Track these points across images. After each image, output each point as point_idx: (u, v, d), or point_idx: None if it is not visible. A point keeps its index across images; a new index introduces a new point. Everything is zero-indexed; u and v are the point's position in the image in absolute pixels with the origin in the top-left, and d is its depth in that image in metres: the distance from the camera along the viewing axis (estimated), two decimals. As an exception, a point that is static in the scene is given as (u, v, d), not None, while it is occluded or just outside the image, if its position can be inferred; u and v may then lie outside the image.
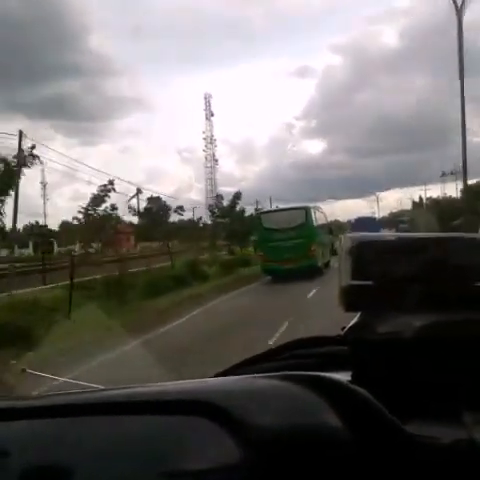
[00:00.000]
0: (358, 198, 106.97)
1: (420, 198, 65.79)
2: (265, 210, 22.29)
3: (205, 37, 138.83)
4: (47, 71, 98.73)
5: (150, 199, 26.66)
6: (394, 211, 66.02)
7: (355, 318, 0.72)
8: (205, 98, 76.63)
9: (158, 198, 27.07)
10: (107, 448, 0.56)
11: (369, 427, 0.53)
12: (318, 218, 21.21)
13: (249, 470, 0.50)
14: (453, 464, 0.53)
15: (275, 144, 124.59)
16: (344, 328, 0.73)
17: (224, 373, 0.94)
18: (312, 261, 18.70)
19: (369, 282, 0.69)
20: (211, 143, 76.01)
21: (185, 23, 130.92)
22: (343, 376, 0.66)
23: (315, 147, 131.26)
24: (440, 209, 41.02)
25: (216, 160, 74.84)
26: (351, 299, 0.71)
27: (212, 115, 75.36)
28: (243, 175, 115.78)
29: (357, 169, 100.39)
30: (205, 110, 75.08)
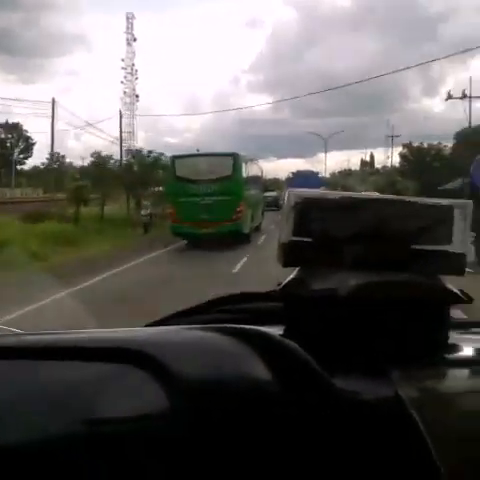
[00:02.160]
0: (300, 158, 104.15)
1: (371, 156, 62.04)
2: (180, 154, 16.36)
3: None
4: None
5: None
6: (339, 171, 61.83)
7: (292, 274, 0.72)
8: (127, 19, 64.71)
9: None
10: (26, 394, 0.54)
11: (298, 380, 0.54)
12: (250, 171, 16.69)
13: (175, 419, 0.50)
14: (378, 419, 0.54)
15: (221, 96, 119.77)
16: (280, 284, 0.73)
17: (154, 324, 0.89)
18: (237, 226, 14.32)
19: (309, 239, 0.70)
20: (132, 74, 65.61)
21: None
22: (275, 330, 0.66)
23: (261, 102, 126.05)
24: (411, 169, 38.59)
25: (137, 96, 64.61)
26: (290, 255, 0.71)
27: (134, 39, 64.62)
28: (187, 126, 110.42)
29: (301, 128, 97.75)
30: (126, 33, 64.33)
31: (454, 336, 0.73)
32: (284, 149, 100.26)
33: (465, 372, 0.65)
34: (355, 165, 63.53)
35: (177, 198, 14.72)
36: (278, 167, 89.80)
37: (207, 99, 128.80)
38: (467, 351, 0.72)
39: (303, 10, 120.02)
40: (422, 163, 38.98)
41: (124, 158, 24.87)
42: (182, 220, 14.43)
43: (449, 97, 25.89)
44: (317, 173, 35.68)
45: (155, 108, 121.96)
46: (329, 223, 0.70)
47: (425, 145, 41.87)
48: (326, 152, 47.99)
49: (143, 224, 19.53)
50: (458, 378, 0.64)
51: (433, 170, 36.70)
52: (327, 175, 46.70)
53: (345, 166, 63.07)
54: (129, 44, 64.06)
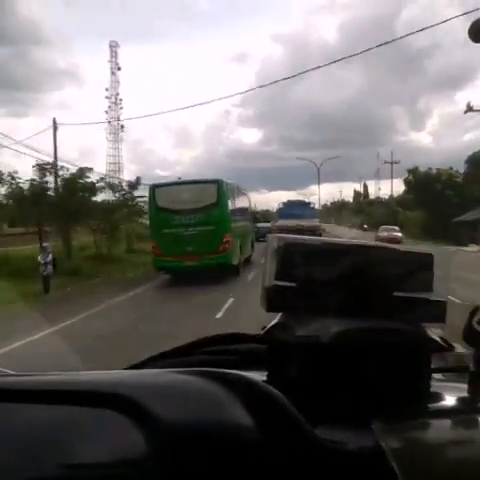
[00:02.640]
0: (291, 190, 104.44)
1: (365, 187, 60.22)
2: (160, 183, 15.11)
3: (146, 13, 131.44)
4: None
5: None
6: (332, 202, 60.05)
7: (275, 319, 0.72)
8: (110, 47, 63.45)
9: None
10: (3, 438, 0.53)
11: (279, 428, 0.54)
12: (236, 199, 15.72)
13: (155, 464, 0.49)
14: (359, 470, 0.55)
15: (212, 130, 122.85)
16: (264, 328, 0.73)
17: (136, 366, 0.88)
18: (225, 257, 13.25)
19: (293, 284, 0.70)
20: (116, 103, 64.34)
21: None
22: (258, 376, 0.66)
23: (251, 136, 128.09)
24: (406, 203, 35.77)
25: (122, 126, 63.48)
26: (273, 299, 0.71)
27: (119, 68, 63.60)
28: (178, 159, 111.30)
29: (291, 161, 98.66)
30: (110, 61, 63.38)
31: (436, 385, 0.72)
32: (275, 181, 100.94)
33: (447, 422, 0.65)
34: (348, 196, 62.97)
35: (159, 230, 13.66)
36: (269, 199, 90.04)
37: (198, 132, 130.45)
38: (448, 400, 0.70)
39: (291, 45, 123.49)
40: (431, 191, 33.84)
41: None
42: (165, 253, 13.35)
43: (469, 109, 23.49)
44: (309, 203, 32.78)
45: (145, 141, 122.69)
46: (312, 268, 0.70)
47: (434, 171, 37.09)
48: (319, 179, 45.35)
49: (42, 277, 12.84)
50: (440, 428, 0.63)
51: (444, 198, 32.21)
52: (319, 207, 44.79)
53: (337, 197, 62.06)
54: (113, 73, 63.08)
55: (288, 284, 0.70)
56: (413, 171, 37.75)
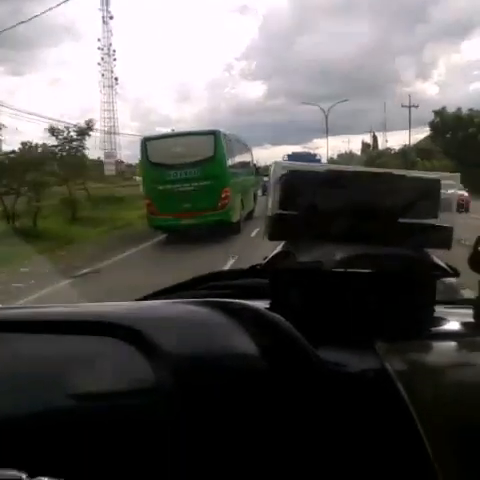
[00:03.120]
0: (296, 145, 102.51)
1: (374, 137, 54.80)
2: (151, 135, 13.85)
3: None
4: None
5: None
6: (338, 154, 56.23)
7: (278, 247, 0.71)
8: None
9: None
10: (8, 368, 0.53)
11: (284, 353, 0.54)
12: (236, 151, 14.53)
13: (163, 394, 0.49)
14: (364, 391, 0.54)
15: (214, 85, 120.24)
16: (266, 258, 0.73)
17: (142, 299, 0.90)
18: (224, 214, 12.41)
19: (295, 212, 0.69)
20: (109, 55, 61.37)
21: None
22: (261, 304, 0.65)
23: (255, 90, 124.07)
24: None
25: (116, 79, 60.65)
26: (277, 229, 0.71)
27: (111, 18, 60.34)
28: (180, 116, 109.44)
29: (296, 115, 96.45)
30: (101, 10, 59.97)
31: (440, 310, 0.72)
32: (279, 136, 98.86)
33: (451, 345, 0.64)
34: (355, 149, 60.58)
35: (152, 187, 12.72)
36: (274, 154, 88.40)
37: (200, 87, 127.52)
38: (453, 324, 0.70)
39: None
40: (461, 135, 28.87)
41: None
42: (160, 211, 12.49)
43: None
44: (315, 155, 30.29)
45: (144, 97, 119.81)
46: (316, 196, 0.69)
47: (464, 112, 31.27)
48: (327, 127, 40.22)
49: None
50: (445, 350, 0.63)
51: (478, 144, 27.48)
52: (326, 160, 40.35)
53: (344, 150, 59.33)
54: (105, 22, 60.18)
55: (291, 212, 0.70)
56: (440, 112, 32.14)
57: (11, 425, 0.48)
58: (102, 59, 60.01)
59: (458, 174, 0.71)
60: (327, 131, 42.22)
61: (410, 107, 38.42)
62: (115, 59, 59.90)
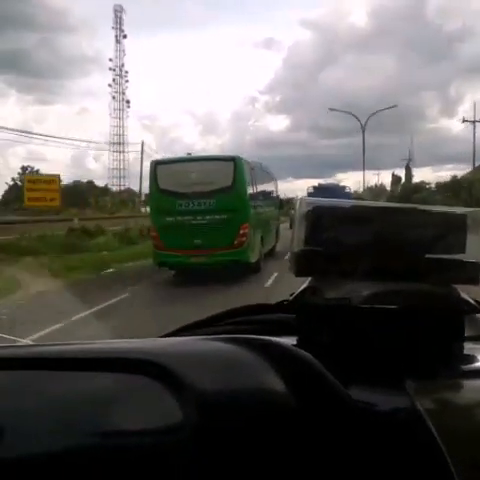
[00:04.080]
0: (319, 178, 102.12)
1: (408, 169, 51.08)
2: (163, 159, 12.53)
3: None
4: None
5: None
6: (370, 187, 51.85)
7: (304, 284, 0.71)
8: (115, 12, 57.80)
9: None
10: (37, 405, 0.53)
11: (313, 392, 0.53)
12: (258, 180, 12.78)
13: (190, 432, 0.49)
14: (395, 431, 0.53)
15: (238, 117, 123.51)
16: (293, 294, 0.73)
17: (167, 335, 0.89)
18: (241, 254, 10.64)
19: (321, 248, 0.69)
20: (121, 76, 60.18)
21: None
22: (289, 340, 0.65)
23: (278, 123, 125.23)
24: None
25: (128, 101, 59.45)
26: (303, 264, 0.70)
27: (124, 37, 59.40)
28: (204, 147, 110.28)
29: (318, 149, 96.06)
30: (114, 28, 59.40)
31: (469, 346, 0.70)
32: (301, 170, 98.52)
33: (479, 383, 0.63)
34: (385, 184, 57.77)
35: (161, 217, 11.02)
36: (296, 187, 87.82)
37: (225, 119, 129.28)
38: None
39: (319, 31, 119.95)
40: None
41: None
42: (167, 246, 10.77)
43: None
44: (344, 187, 27.68)
45: (170, 129, 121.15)
46: (341, 232, 0.69)
47: None
48: (364, 141, 34.17)
49: None
50: (474, 389, 0.61)
51: None
52: (359, 190, 36.56)
53: (370, 183, 55.45)
54: (118, 41, 59.43)
55: (317, 248, 0.69)
56: None
57: (36, 463, 0.48)
58: (113, 80, 58.91)
59: None
60: (363, 145, 34.83)
61: (475, 122, 34.48)
62: (127, 80, 58.71)
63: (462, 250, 0.68)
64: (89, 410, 0.52)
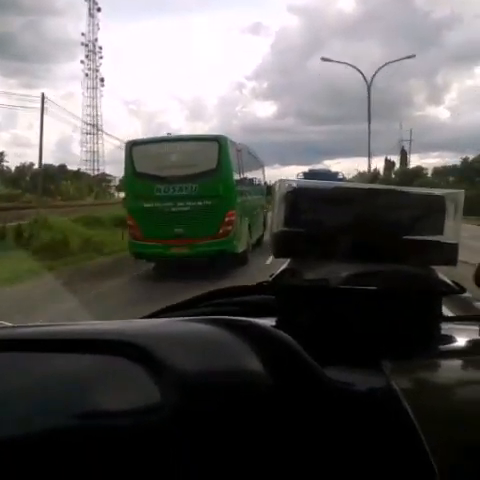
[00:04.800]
0: (306, 165, 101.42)
1: (404, 153, 48.80)
2: (141, 139, 10.91)
3: None
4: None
5: None
6: (361, 173, 49.72)
7: (284, 265, 0.71)
8: None
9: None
10: (14, 387, 0.52)
11: (292, 372, 0.53)
12: (245, 165, 11.73)
13: (169, 413, 0.49)
14: (371, 410, 0.53)
15: (225, 103, 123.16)
16: (272, 275, 0.72)
17: (147, 317, 0.87)
18: (227, 243, 9.66)
19: (301, 229, 0.70)
20: (94, 51, 57.64)
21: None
22: (267, 322, 0.65)
23: (265, 110, 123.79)
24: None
25: (102, 79, 56.98)
26: (282, 246, 0.71)
27: (98, 10, 55.94)
28: (192, 132, 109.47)
29: (305, 135, 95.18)
30: (87, 0, 56.65)
31: (446, 327, 0.72)
32: (289, 156, 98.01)
33: (458, 363, 0.64)
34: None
35: (137, 203, 9.94)
36: (283, 174, 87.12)
37: (212, 105, 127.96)
38: (459, 342, 0.70)
39: (307, 17, 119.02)
40: None
41: None
42: (145, 236, 9.75)
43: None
44: (336, 173, 25.14)
45: (157, 114, 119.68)
46: (321, 213, 0.69)
47: None
48: (370, 101, 28.55)
49: None
50: (451, 369, 0.63)
51: None
52: (354, 177, 34.29)
53: (353, 174, 53.78)
54: (91, 14, 57.05)
55: (296, 230, 0.70)
56: None
57: (17, 444, 0.48)
58: (86, 56, 56.52)
59: (462, 191, 0.72)
60: (369, 107, 28.58)
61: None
62: (101, 57, 56.42)
63: (440, 231, 0.69)
64: (68, 391, 0.51)
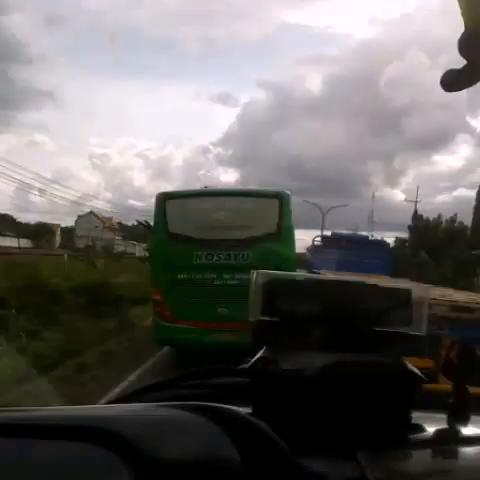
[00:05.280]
0: None
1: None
2: (176, 192, 8.57)
3: (133, 46, 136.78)
4: None
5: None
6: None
7: (260, 352, 0.72)
8: None
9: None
10: None
11: (267, 460, 0.53)
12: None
13: None
14: None
15: (189, 165, 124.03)
16: (248, 361, 0.73)
17: (121, 400, 0.90)
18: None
19: (277, 319, 0.72)
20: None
21: (114, 25, 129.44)
22: (243, 408, 0.65)
23: (228, 176, 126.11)
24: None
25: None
26: (258, 334, 0.74)
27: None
28: (154, 192, 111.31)
29: None
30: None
31: (416, 415, 0.72)
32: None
33: (429, 453, 0.66)
34: None
35: (169, 274, 7.58)
36: None
37: (176, 166, 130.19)
38: (430, 431, 0.71)
39: (275, 92, 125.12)
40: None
41: None
42: (177, 316, 7.37)
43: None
44: (381, 242, 17.47)
45: (121, 169, 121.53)
46: (295, 304, 0.72)
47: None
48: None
49: None
50: (423, 459, 0.64)
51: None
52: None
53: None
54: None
55: (272, 319, 0.73)
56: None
57: None
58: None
59: (430, 286, 0.65)
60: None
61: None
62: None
63: (408, 323, 0.71)
64: (42, 478, 0.50)
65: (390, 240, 26.70)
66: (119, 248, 50.93)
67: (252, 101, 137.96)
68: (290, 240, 7.66)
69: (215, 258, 7.44)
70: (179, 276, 7.49)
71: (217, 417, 0.56)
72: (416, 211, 36.63)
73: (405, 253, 30.87)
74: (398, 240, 36.86)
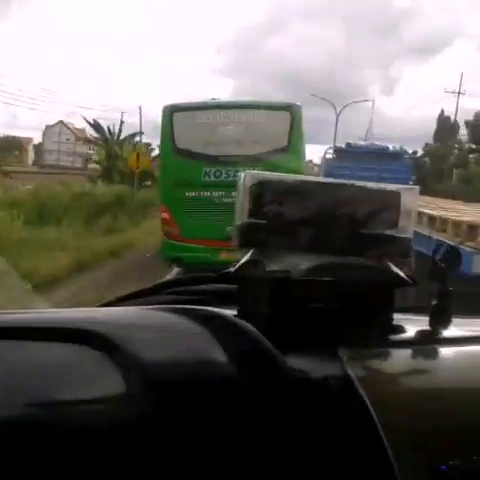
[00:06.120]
0: None
1: None
2: (183, 104, 7.79)
3: None
4: None
5: None
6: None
7: (246, 255, 0.73)
8: None
9: None
10: None
11: (253, 360, 0.54)
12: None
13: (130, 402, 0.49)
14: (328, 397, 0.55)
15: (181, 75, 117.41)
16: (234, 265, 0.74)
17: (108, 304, 0.88)
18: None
19: (264, 221, 0.72)
20: None
21: None
22: (229, 311, 0.66)
23: (224, 89, 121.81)
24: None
25: None
26: (245, 236, 0.73)
27: None
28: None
29: None
30: None
31: (398, 317, 0.75)
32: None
33: (407, 353, 0.67)
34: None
35: (176, 191, 7.33)
36: None
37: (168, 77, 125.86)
38: (410, 332, 0.73)
39: None
40: None
41: None
42: (185, 235, 7.23)
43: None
44: (401, 152, 16.25)
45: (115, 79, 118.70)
46: (283, 206, 0.72)
47: None
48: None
49: None
50: (401, 358, 0.66)
51: None
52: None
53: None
54: None
55: (260, 221, 0.72)
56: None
57: None
58: None
59: (417, 187, 0.77)
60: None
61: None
62: None
63: (395, 226, 0.73)
64: (28, 380, 0.50)
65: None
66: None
67: (247, 4, 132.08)
68: (300, 154, 7.37)
69: (224, 175, 7.16)
70: (187, 194, 7.27)
71: (206, 320, 0.57)
72: (443, 111, 33.23)
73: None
74: (430, 146, 32.72)
